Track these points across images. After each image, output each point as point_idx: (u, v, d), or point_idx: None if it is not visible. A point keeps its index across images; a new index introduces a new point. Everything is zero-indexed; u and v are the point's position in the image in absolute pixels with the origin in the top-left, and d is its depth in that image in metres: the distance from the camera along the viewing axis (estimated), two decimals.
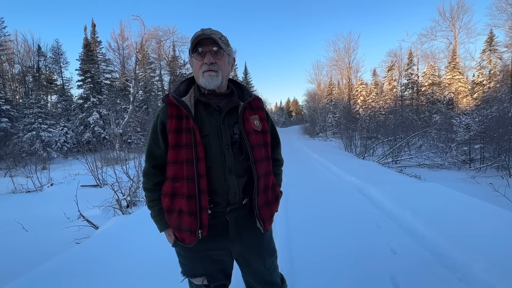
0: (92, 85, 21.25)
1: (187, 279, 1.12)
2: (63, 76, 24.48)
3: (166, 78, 26.99)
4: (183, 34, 23.82)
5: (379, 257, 2.20)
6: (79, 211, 4.71)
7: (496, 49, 20.58)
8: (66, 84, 24.57)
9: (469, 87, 21.16)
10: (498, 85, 19.81)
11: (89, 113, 20.27)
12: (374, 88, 27.03)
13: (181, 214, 0.99)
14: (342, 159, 8.87)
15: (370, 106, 23.77)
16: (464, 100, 20.10)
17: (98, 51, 23.38)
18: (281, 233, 2.70)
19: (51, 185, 8.39)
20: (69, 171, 10.01)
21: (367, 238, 2.56)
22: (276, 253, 1.22)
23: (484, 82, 20.72)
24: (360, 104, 25.01)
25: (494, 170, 7.79)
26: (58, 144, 17.48)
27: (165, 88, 26.35)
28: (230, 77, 1.13)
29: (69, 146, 18.24)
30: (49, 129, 17.26)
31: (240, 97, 1.09)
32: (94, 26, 23.27)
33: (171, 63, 25.73)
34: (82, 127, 20.03)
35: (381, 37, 63.67)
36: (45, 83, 23.58)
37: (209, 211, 0.99)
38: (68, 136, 18.65)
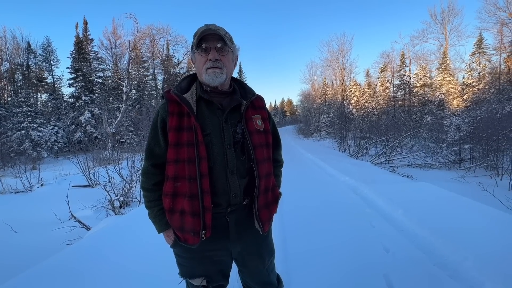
0: (83, 84, 20.91)
1: (185, 280, 1.10)
2: (53, 74, 24.00)
3: (160, 77, 26.74)
4: (177, 33, 23.70)
5: (373, 256, 2.22)
6: (70, 211, 4.63)
7: (485, 52, 21.08)
8: (57, 83, 24.11)
9: (459, 89, 21.61)
10: (487, 87, 20.31)
11: (81, 112, 19.93)
12: (367, 88, 27.33)
13: (183, 214, 0.97)
14: (336, 159, 8.95)
15: (363, 107, 24.07)
16: (455, 101, 20.52)
17: (90, 49, 23.01)
18: (276, 233, 2.70)
19: (41, 185, 8.23)
20: (60, 171, 9.83)
21: (361, 237, 2.59)
22: (275, 252, 1.22)
23: (473, 84, 21.21)
24: (354, 104, 25.27)
25: (483, 170, 7.98)
26: (49, 143, 17.12)
27: (159, 87, 26.09)
28: None
29: (60, 145, 17.89)
30: (39, 128, 16.89)
31: (242, 95, 1.07)
32: (86, 23, 22.89)
33: (165, 62, 25.51)
34: (73, 126, 19.68)
35: (375, 38, 64.58)
36: (34, 81, 23.09)
37: (212, 209, 0.97)
38: (59, 135, 18.29)
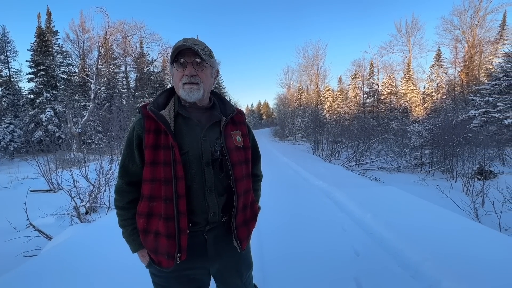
0: (46, 79, 19.27)
1: None
2: (9, 67, 21.79)
3: (132, 75, 25.56)
4: (151, 30, 22.89)
5: (344, 260, 2.34)
6: (28, 219, 4.25)
7: (443, 65, 23.27)
8: (14, 76, 21.89)
9: (421, 97, 23.56)
10: (444, 97, 22.37)
11: (42, 110, 18.34)
12: (340, 94, 28.69)
13: (158, 236, 0.94)
14: (310, 162, 9.23)
15: (336, 112, 25.19)
16: (417, 109, 22.30)
17: (54, 42, 21.31)
18: (253, 241, 2.73)
19: None
20: (16, 174, 8.97)
21: (334, 241, 2.71)
22: (252, 265, 1.22)
23: (433, 94, 23.27)
24: (327, 109, 26.37)
25: (440, 173, 8.73)
26: (3, 143, 15.52)
27: (131, 85, 24.92)
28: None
29: (16, 146, 16.29)
30: None
31: (222, 111, 1.06)
32: (49, 14, 21.18)
33: (138, 60, 24.44)
34: (32, 124, 18.01)
35: (347, 47, 67.99)
36: None
37: (188, 231, 0.95)
38: (15, 134, 16.65)
